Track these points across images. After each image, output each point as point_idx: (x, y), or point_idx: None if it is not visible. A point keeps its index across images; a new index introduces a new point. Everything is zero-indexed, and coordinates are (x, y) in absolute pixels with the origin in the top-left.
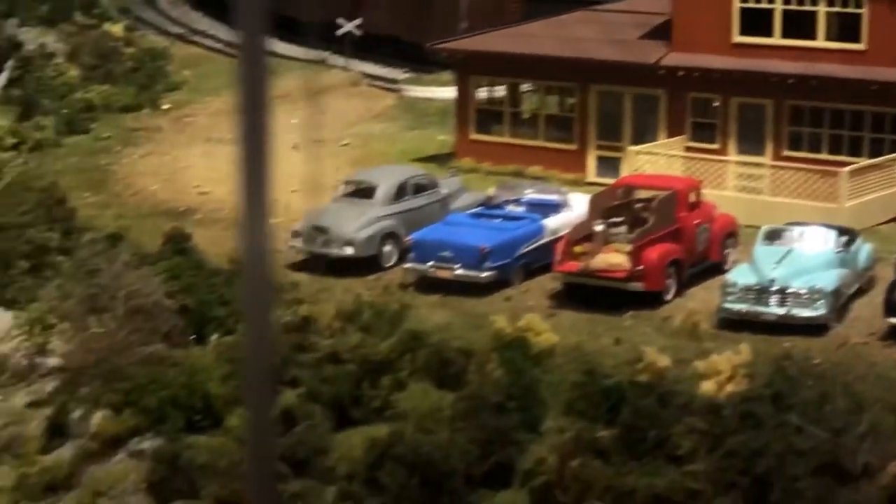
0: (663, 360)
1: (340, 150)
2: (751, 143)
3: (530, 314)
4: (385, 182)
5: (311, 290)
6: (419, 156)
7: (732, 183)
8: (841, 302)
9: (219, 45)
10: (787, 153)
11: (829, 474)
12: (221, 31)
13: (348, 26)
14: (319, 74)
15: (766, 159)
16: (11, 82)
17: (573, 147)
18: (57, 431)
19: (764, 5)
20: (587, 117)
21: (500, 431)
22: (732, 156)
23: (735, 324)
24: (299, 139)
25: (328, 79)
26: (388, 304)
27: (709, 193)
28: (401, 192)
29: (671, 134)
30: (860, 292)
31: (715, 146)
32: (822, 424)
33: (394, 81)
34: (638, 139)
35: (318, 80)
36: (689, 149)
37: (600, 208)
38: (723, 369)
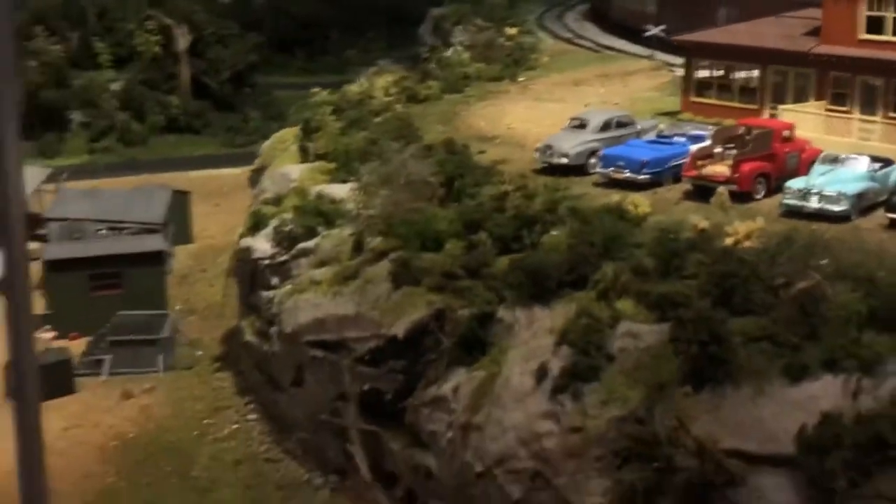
0: (703, 223)
1: (612, 107)
2: (868, 107)
3: (635, 194)
4: (595, 119)
5: (515, 178)
6: (661, 111)
7: (855, 134)
8: (864, 204)
9: (587, 44)
10: (891, 115)
11: (771, 291)
12: (598, 37)
13: (654, 30)
14: (634, 62)
15: (878, 118)
16: (423, 60)
17: (755, 107)
18: (357, 248)
19: (881, 13)
20: (765, 87)
21: (584, 256)
22: (856, 115)
23: (790, 213)
24: (594, 101)
25: (638, 65)
26: (554, 186)
27: (837, 140)
28: (606, 126)
29: (817, 99)
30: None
31: (845, 108)
32: (780, 264)
33: (673, 66)
34: (795, 102)
35: (630, 66)
36: (828, 110)
37: (721, 137)
38: (740, 231)
